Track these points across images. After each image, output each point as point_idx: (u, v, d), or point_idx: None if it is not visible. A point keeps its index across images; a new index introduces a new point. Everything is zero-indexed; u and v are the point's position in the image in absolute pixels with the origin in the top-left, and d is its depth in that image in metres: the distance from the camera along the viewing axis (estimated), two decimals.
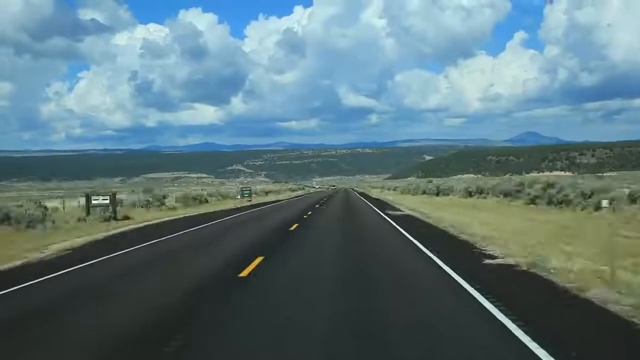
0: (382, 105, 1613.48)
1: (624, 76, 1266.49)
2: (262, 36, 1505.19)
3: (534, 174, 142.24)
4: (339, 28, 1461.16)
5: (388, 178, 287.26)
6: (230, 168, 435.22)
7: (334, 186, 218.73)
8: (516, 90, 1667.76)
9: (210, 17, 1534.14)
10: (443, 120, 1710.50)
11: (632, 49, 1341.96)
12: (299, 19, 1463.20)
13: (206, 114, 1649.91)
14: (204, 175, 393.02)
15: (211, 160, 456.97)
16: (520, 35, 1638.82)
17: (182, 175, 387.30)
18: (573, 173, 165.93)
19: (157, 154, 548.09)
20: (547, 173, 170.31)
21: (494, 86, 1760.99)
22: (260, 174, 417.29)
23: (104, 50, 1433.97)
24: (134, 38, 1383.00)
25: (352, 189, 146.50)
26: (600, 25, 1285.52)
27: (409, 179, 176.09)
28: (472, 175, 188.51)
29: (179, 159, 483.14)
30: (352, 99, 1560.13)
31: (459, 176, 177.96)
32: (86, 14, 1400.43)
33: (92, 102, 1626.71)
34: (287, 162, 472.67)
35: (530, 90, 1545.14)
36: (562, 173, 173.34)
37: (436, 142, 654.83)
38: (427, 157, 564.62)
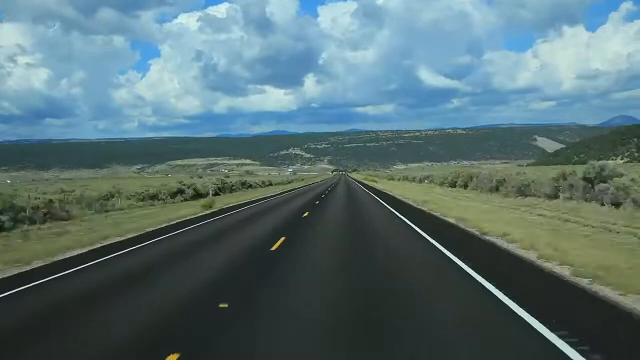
0: (465, 87, 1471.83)
1: None
2: (336, 14, 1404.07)
3: None
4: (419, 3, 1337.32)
5: (531, 164, 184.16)
6: (285, 152, 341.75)
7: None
8: (613, 68, 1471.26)
9: None
10: (529, 104, 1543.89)
11: None
12: None
13: (278, 97, 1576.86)
14: (248, 161, 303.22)
15: (261, 145, 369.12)
16: (626, 5, 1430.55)
17: (219, 162, 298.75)
18: None
19: (197, 140, 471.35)
20: None
21: (587, 64, 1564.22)
22: (323, 160, 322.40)
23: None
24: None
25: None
26: None
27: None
28: None
29: (223, 144, 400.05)
30: (432, 80, 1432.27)
31: None
32: None
33: (162, 88, 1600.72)
34: (360, 144, 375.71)
35: (629, 69, 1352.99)
36: None
37: (532, 125, 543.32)
38: (539, 138, 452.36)
